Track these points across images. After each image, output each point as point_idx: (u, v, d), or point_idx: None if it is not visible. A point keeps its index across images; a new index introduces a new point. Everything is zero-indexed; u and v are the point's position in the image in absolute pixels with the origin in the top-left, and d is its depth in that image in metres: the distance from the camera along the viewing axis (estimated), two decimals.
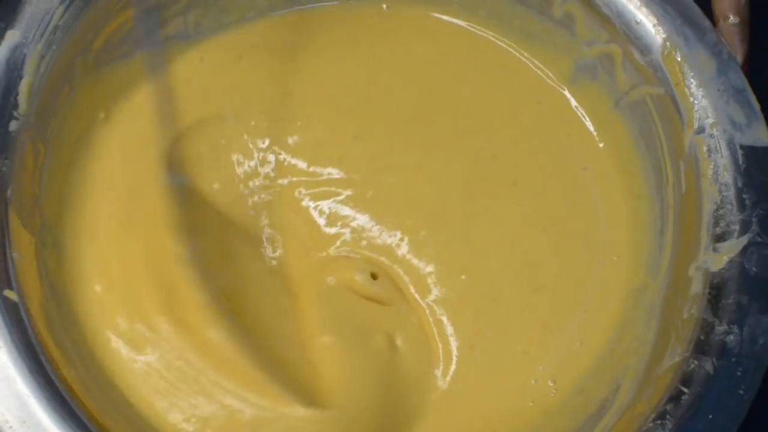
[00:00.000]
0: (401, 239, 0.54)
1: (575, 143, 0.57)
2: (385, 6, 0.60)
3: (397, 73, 0.58)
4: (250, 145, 0.56)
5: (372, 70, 0.58)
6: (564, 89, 0.58)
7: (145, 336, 0.50)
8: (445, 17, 0.59)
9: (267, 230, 0.54)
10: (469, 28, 0.59)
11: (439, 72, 0.58)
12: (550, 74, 0.58)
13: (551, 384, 0.51)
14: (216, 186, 0.55)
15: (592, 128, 0.57)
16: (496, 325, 0.52)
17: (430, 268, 0.53)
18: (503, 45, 0.59)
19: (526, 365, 0.51)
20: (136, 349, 0.50)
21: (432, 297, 0.53)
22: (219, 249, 0.53)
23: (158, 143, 0.54)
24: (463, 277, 0.53)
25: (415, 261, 0.54)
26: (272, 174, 0.55)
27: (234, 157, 0.55)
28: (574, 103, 0.58)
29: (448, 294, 0.53)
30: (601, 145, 0.57)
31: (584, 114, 0.58)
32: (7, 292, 0.45)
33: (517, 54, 0.59)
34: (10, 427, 0.42)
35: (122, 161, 0.55)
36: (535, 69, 0.59)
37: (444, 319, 0.52)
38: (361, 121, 0.57)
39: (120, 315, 0.51)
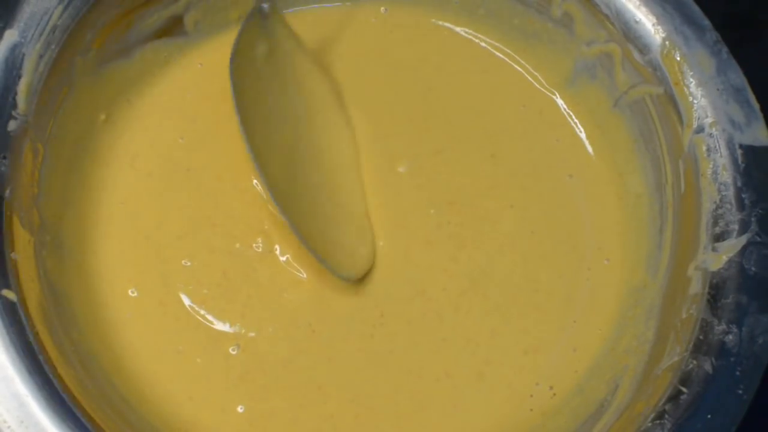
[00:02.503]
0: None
1: (564, 147, 0.57)
2: (383, 9, 0.60)
3: (393, 75, 0.58)
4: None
5: (369, 72, 0.58)
6: (555, 94, 0.58)
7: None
8: (441, 22, 0.60)
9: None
10: (464, 33, 0.60)
11: (433, 75, 0.58)
12: (542, 79, 0.58)
13: (549, 389, 0.51)
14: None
15: (582, 132, 0.57)
16: (489, 342, 0.52)
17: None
18: (496, 50, 0.59)
19: (520, 382, 0.51)
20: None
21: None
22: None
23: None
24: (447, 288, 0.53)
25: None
26: None
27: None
28: (564, 107, 0.58)
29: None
30: (590, 148, 0.57)
31: (576, 118, 0.58)
32: (6, 292, 0.45)
33: (510, 60, 0.59)
34: (9, 427, 0.42)
35: (124, 163, 0.55)
36: (526, 74, 0.59)
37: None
38: (357, 122, 0.57)
39: (124, 313, 0.51)
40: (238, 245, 0.53)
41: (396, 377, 0.51)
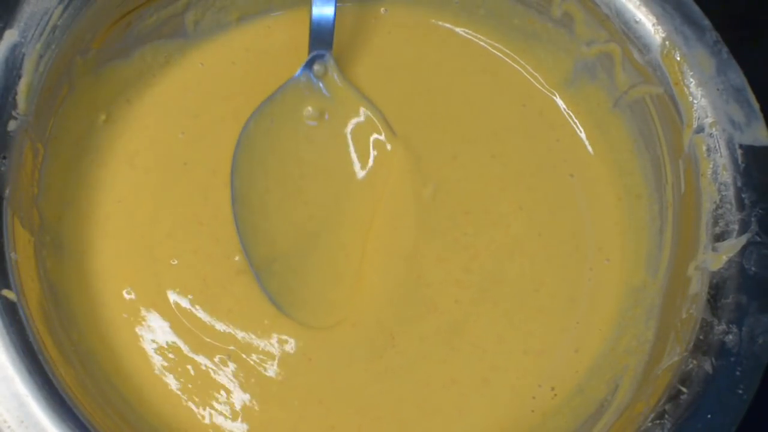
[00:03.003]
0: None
1: (565, 147, 0.57)
2: (383, 9, 0.60)
3: (393, 76, 0.58)
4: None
5: (369, 73, 0.58)
6: (554, 94, 0.58)
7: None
8: (440, 22, 0.60)
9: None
10: (464, 34, 0.59)
11: (433, 75, 0.58)
12: (541, 79, 0.58)
13: (551, 390, 0.51)
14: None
15: (582, 132, 0.57)
16: (495, 348, 0.52)
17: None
18: (496, 50, 0.59)
19: (523, 385, 0.51)
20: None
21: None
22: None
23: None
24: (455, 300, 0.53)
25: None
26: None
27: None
28: (564, 107, 0.58)
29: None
30: (591, 148, 0.57)
31: (576, 118, 0.58)
32: (6, 292, 0.45)
33: (510, 60, 0.59)
34: (9, 427, 0.42)
35: (124, 162, 0.55)
36: (526, 74, 0.58)
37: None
38: None
39: (123, 313, 0.51)
40: (218, 250, 0.53)
41: (403, 389, 0.51)
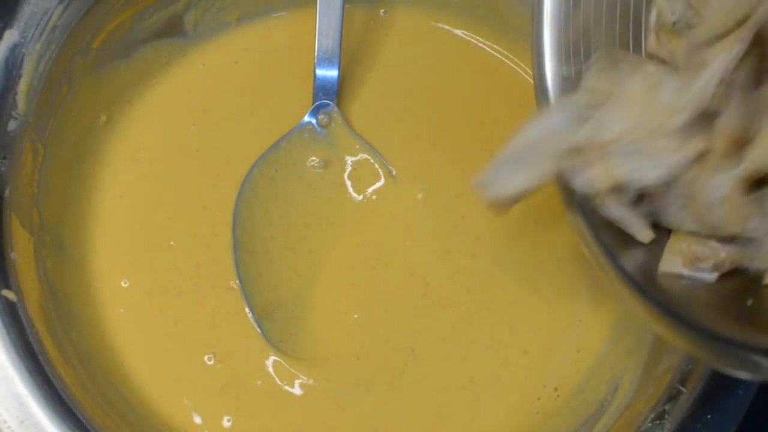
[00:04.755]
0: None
1: None
2: (382, 11, 0.60)
3: (392, 77, 0.58)
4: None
5: (368, 74, 0.58)
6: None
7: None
8: (440, 24, 0.60)
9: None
10: (463, 35, 0.60)
11: (432, 76, 0.58)
12: None
13: (554, 391, 0.51)
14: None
15: None
16: (508, 341, 0.52)
17: None
18: (494, 52, 0.59)
19: (531, 384, 0.51)
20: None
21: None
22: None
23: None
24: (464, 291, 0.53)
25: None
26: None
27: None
28: None
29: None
30: None
31: None
32: (6, 292, 0.45)
33: (508, 61, 0.59)
34: (9, 427, 0.42)
35: (126, 159, 0.55)
36: (525, 75, 0.58)
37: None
38: (356, 121, 0.57)
39: (120, 308, 0.51)
40: (215, 236, 0.53)
41: (422, 398, 0.50)
